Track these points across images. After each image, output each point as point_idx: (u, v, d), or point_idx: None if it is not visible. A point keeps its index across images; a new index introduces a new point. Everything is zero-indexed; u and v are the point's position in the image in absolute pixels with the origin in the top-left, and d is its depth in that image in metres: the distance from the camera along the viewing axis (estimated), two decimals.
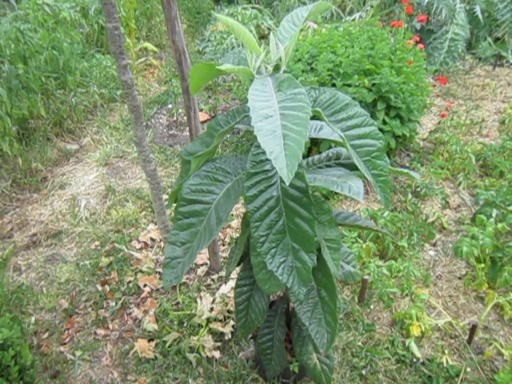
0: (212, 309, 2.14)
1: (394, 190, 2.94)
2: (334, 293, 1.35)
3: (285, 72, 1.18)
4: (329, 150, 1.43)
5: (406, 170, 1.35)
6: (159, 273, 2.41)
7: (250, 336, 1.92)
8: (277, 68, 1.19)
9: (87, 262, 2.49)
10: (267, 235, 1.11)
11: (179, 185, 1.30)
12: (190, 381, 1.90)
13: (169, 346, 2.02)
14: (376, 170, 1.11)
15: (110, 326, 2.14)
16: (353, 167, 1.36)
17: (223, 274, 2.37)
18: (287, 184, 0.88)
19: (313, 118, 1.08)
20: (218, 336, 2.06)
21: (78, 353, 2.02)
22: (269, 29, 4.86)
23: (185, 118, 3.90)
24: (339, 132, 1.07)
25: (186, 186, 1.22)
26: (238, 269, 1.61)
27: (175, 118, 3.90)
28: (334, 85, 2.85)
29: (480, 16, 4.69)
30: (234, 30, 1.13)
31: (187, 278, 2.37)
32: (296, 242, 1.11)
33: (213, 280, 2.35)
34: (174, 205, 1.29)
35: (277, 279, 1.23)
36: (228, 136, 3.62)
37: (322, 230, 1.29)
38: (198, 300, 2.19)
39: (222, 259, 2.43)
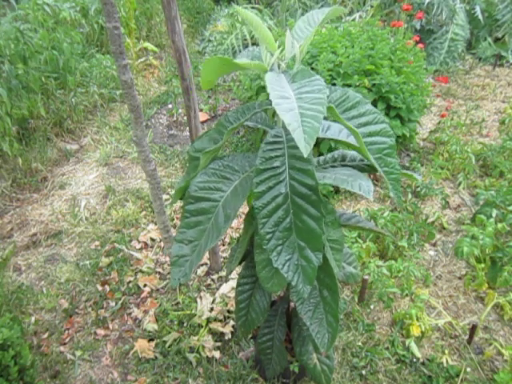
0: (212, 309, 2.14)
1: None
2: (337, 293, 1.35)
3: None
4: (334, 152, 1.43)
5: (409, 172, 1.35)
6: (159, 273, 2.41)
7: (250, 336, 1.92)
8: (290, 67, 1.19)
9: (87, 262, 2.49)
10: (274, 232, 1.10)
11: (186, 181, 1.29)
12: (190, 381, 1.90)
13: (169, 346, 2.01)
14: (387, 168, 1.11)
15: (110, 326, 2.14)
16: (358, 169, 1.36)
17: (223, 273, 2.37)
18: (305, 156, 0.88)
19: None
20: (217, 336, 2.06)
21: (78, 353, 2.02)
22: (269, 29, 4.85)
23: (185, 118, 3.90)
24: (355, 129, 1.07)
25: (193, 183, 1.21)
26: (238, 268, 1.61)
27: (175, 118, 3.90)
28: (334, 85, 2.84)
29: (480, 16, 4.69)
30: (252, 24, 1.13)
31: None
32: (302, 239, 1.11)
33: (213, 280, 2.35)
34: (178, 202, 1.28)
35: (279, 278, 1.22)
36: None
37: (326, 231, 1.29)
38: (198, 300, 2.19)
39: (222, 259, 2.43)
